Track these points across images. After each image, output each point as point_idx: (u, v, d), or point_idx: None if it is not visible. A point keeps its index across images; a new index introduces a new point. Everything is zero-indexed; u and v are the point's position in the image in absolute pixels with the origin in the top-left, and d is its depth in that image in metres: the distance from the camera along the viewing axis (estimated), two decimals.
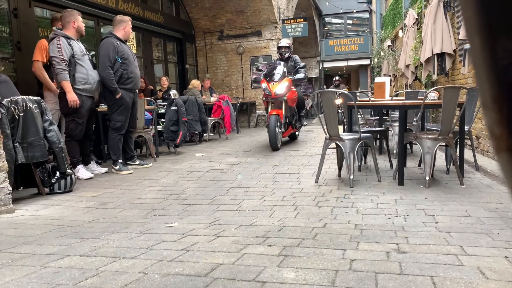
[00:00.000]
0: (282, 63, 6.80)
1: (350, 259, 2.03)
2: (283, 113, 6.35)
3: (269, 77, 6.54)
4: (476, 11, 0.30)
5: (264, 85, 6.51)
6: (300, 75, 7.00)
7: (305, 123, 7.88)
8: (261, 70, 7.07)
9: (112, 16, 5.90)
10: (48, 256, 2.19)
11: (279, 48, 7.51)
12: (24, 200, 3.72)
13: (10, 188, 3.29)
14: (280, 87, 6.33)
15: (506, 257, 2.03)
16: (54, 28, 4.70)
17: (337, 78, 13.83)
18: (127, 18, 5.14)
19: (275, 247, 2.23)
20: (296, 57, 7.46)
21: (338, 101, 4.11)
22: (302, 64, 7.22)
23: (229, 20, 11.75)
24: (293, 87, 6.84)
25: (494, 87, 0.30)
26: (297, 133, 7.81)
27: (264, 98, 6.74)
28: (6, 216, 3.15)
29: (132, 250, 2.25)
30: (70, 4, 6.70)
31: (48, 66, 4.81)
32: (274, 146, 6.20)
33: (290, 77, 6.74)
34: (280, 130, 6.35)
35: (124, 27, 5.02)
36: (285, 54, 7.33)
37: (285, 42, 7.50)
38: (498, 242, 2.25)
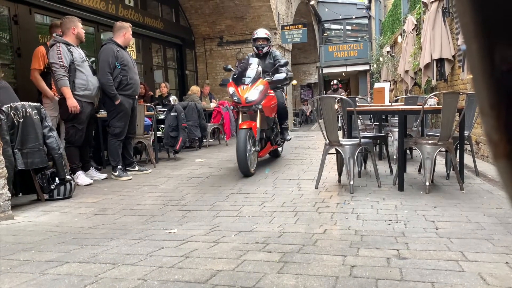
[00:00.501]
0: (255, 60, 5.31)
1: (351, 265, 2.02)
2: (258, 126, 4.87)
3: (239, 78, 5.07)
4: (473, 17, 0.30)
5: (231, 89, 5.03)
6: (281, 75, 5.44)
7: (289, 137, 6.11)
8: (230, 70, 5.40)
9: (112, 23, 5.92)
10: (47, 263, 2.17)
11: (254, 40, 5.80)
12: (23, 206, 3.71)
13: (9, 195, 3.28)
14: (253, 92, 4.88)
15: (507, 262, 2.02)
16: (54, 34, 4.73)
17: (335, 82, 13.67)
18: (127, 24, 5.17)
19: (275, 254, 2.22)
20: (277, 52, 5.94)
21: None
22: (283, 61, 5.66)
23: (229, 26, 11.81)
24: (271, 91, 5.43)
25: (491, 93, 0.30)
26: (279, 149, 6.32)
27: (232, 107, 5.33)
28: (5, 222, 3.14)
29: (131, 256, 2.24)
30: (70, 10, 6.73)
31: (46, 72, 4.87)
32: (244, 171, 4.66)
33: (268, 79, 5.29)
34: (254, 149, 4.86)
35: (124, 34, 5.04)
36: (262, 48, 5.72)
37: (262, 32, 5.79)
38: (499, 247, 2.24)
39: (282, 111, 5.81)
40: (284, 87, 6.34)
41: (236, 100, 4.96)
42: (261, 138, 5.22)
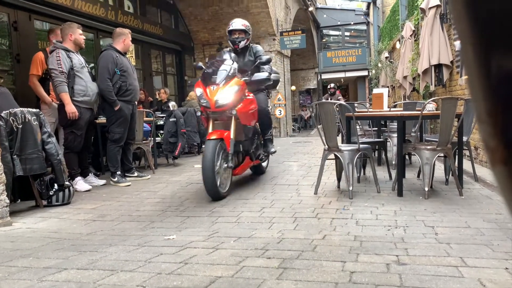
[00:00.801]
0: (231, 55, 4.53)
1: (350, 271, 2.01)
2: (231, 136, 3.98)
3: (208, 77, 4.16)
4: (469, 23, 0.30)
5: (199, 90, 4.13)
6: (262, 75, 4.46)
7: (273, 149, 5.04)
8: (201, 68, 4.36)
9: (111, 29, 5.94)
10: (45, 270, 2.16)
11: (230, 33, 4.83)
12: (21, 212, 3.70)
13: (8, 201, 3.27)
14: (225, 94, 4.00)
15: (506, 268, 2.01)
16: (54, 41, 4.77)
17: (332, 85, 13.36)
18: (127, 31, 5.19)
19: (275, 260, 2.22)
20: (258, 47, 4.95)
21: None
22: (265, 58, 4.71)
23: None
24: (250, 94, 4.48)
25: (488, 100, 0.30)
26: (264, 164, 5.31)
27: (200, 113, 4.32)
28: (3, 229, 3.13)
29: (130, 263, 2.23)
30: (70, 17, 6.75)
31: (45, 78, 4.91)
32: (211, 192, 3.80)
33: (245, 79, 4.33)
34: (226, 165, 3.97)
35: (123, 40, 5.06)
36: (239, 42, 4.76)
37: (239, 23, 4.82)
38: (499, 253, 2.23)
39: (265, 119, 4.81)
40: (270, 91, 5.34)
41: (204, 104, 4.05)
42: (238, 152, 4.31)
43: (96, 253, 2.44)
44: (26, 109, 3.75)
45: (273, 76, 4.79)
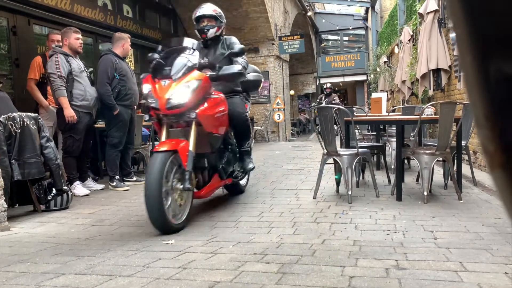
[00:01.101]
0: (190, 41, 3.43)
1: (349, 276, 2.01)
2: (190, 148, 3.02)
3: (159, 69, 3.20)
4: (466, 28, 0.30)
5: (146, 87, 3.17)
6: (232, 68, 3.41)
7: (251, 165, 3.99)
8: (154, 60, 3.29)
9: (110, 33, 5.95)
10: (43, 275, 2.15)
11: (197, 20, 3.88)
12: (19, 217, 3.69)
13: (6, 206, 3.26)
14: (180, 90, 3.06)
15: (506, 273, 2.01)
16: (53, 45, 4.79)
17: (328, 85, 12.62)
18: (126, 35, 5.21)
19: (274, 264, 2.21)
20: (233, 38, 3.94)
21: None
22: (238, 47, 3.71)
23: None
24: (218, 93, 3.56)
25: (486, 104, 0.30)
26: (242, 182, 4.27)
27: (148, 117, 3.28)
28: (1, 234, 3.11)
29: (128, 268, 2.22)
30: (69, 21, 6.76)
31: (42, 82, 4.94)
32: (158, 224, 2.84)
33: (212, 73, 3.32)
34: (182, 187, 3.01)
35: (123, 44, 5.07)
36: (207, 30, 3.81)
37: (208, 9, 3.84)
38: (498, 258, 2.23)
39: (242, 127, 3.82)
40: (250, 94, 4.29)
41: (152, 105, 3.10)
42: (202, 168, 3.38)
43: (94, 258, 2.43)
44: (24, 113, 3.75)
45: (251, 75, 4.00)
